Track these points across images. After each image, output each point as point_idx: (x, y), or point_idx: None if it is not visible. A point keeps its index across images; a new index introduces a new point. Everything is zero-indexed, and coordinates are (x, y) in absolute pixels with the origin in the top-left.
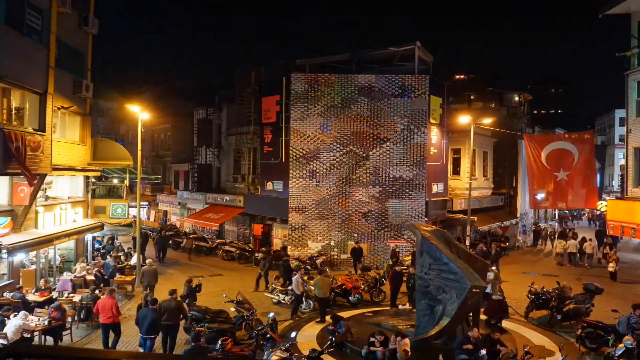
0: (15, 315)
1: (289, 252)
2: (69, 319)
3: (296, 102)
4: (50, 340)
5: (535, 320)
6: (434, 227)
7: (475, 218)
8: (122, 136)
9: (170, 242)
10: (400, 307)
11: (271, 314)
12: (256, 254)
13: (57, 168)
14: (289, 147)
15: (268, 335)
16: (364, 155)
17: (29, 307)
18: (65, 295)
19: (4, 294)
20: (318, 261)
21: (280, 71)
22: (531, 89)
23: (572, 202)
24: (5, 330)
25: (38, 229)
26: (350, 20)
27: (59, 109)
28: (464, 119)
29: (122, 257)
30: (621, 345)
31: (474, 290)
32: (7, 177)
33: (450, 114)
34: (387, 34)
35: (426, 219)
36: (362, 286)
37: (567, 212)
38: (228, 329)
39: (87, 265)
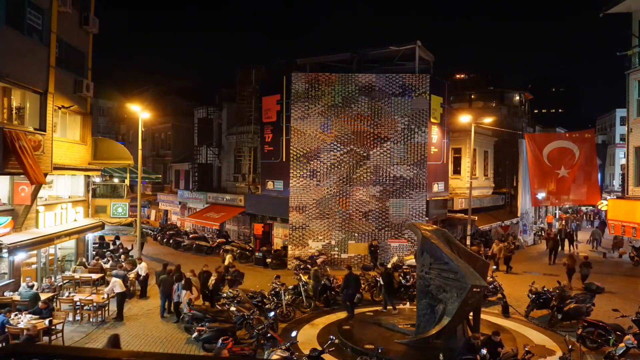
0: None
1: (290, 251)
2: (70, 318)
3: (297, 102)
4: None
5: (535, 320)
6: (434, 226)
7: (476, 217)
8: (122, 135)
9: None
10: (401, 306)
11: (272, 313)
12: (257, 254)
13: (57, 167)
14: (290, 147)
15: (269, 335)
16: (365, 154)
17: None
18: (66, 294)
19: (5, 293)
20: (319, 260)
21: (281, 70)
22: (532, 88)
23: (573, 198)
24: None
25: (39, 229)
26: (352, 20)
27: (59, 108)
28: (464, 118)
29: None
30: (622, 345)
31: (474, 289)
32: (7, 177)
33: (450, 113)
34: (387, 33)
35: (427, 218)
36: (363, 285)
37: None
38: (229, 329)
39: (87, 265)
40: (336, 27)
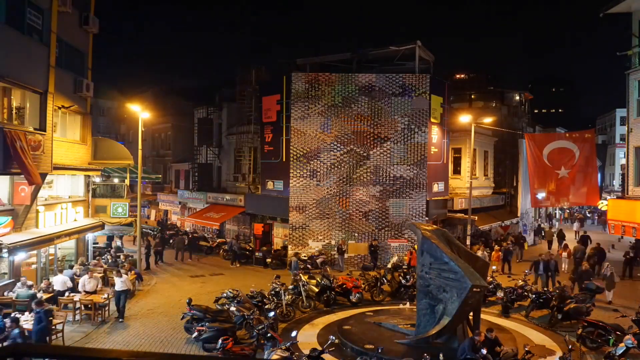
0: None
1: (290, 251)
2: (70, 318)
3: (297, 102)
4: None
5: (535, 320)
6: (434, 226)
7: (476, 217)
8: (122, 135)
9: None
10: (401, 306)
11: (272, 313)
12: (257, 254)
13: (57, 167)
14: (290, 147)
15: (269, 335)
16: (365, 154)
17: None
18: (66, 295)
19: (4, 293)
20: (319, 260)
21: (281, 70)
22: (532, 88)
23: (573, 199)
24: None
25: (39, 229)
26: (352, 20)
27: (59, 108)
28: (464, 118)
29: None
30: (622, 344)
31: (474, 289)
32: (7, 177)
33: (450, 113)
34: (387, 33)
35: (427, 218)
36: (363, 285)
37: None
38: (229, 329)
39: (87, 264)
40: (337, 27)
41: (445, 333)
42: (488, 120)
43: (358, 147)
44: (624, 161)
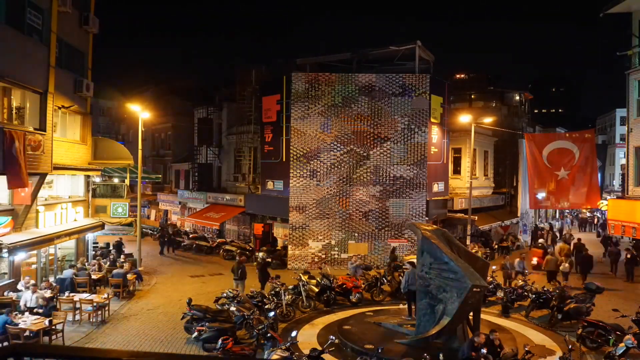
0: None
1: (290, 251)
2: (70, 318)
3: (297, 102)
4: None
5: (536, 320)
6: (434, 226)
7: (476, 217)
8: (122, 135)
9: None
10: (401, 306)
11: (272, 313)
12: (257, 253)
13: (57, 167)
14: (290, 147)
15: (269, 335)
16: (365, 154)
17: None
18: (66, 294)
19: (4, 293)
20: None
21: (281, 70)
22: (532, 88)
23: (573, 201)
24: None
25: (39, 229)
26: (352, 20)
27: (59, 108)
28: (464, 118)
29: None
30: (622, 344)
31: (474, 289)
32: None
33: (451, 113)
34: (388, 33)
35: (427, 218)
36: (363, 285)
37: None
38: (229, 328)
39: (87, 264)
40: (329, 29)
41: (445, 333)
42: (488, 120)
43: (358, 147)
44: (624, 161)
